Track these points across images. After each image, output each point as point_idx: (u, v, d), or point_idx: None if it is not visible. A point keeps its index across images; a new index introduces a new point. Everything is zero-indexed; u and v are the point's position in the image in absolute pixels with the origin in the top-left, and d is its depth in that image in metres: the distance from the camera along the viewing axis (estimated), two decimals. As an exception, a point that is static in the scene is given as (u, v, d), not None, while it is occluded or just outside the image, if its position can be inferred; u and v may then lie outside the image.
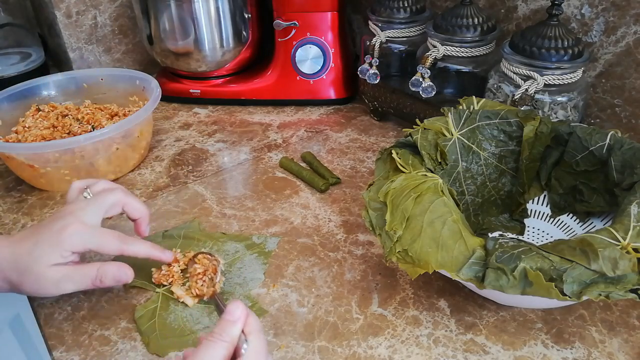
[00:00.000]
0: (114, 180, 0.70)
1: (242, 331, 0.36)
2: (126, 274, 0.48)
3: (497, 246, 0.40)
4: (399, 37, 0.77)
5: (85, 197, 0.50)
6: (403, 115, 0.78)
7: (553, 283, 0.37)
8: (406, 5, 0.75)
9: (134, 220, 0.53)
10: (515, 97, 0.59)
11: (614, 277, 0.37)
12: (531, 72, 0.58)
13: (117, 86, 0.80)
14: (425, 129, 0.53)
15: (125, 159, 0.70)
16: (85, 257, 0.57)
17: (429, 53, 0.68)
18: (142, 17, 0.86)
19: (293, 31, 0.84)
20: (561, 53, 0.57)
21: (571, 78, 0.58)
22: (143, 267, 0.54)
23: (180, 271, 0.53)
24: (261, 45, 0.93)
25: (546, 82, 0.58)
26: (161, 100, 0.74)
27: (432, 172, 0.50)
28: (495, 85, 0.64)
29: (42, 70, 0.97)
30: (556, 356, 0.44)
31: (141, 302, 0.51)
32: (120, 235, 0.48)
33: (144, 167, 0.74)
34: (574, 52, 0.57)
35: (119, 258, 0.51)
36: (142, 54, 1.04)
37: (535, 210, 0.57)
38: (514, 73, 0.60)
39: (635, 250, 0.38)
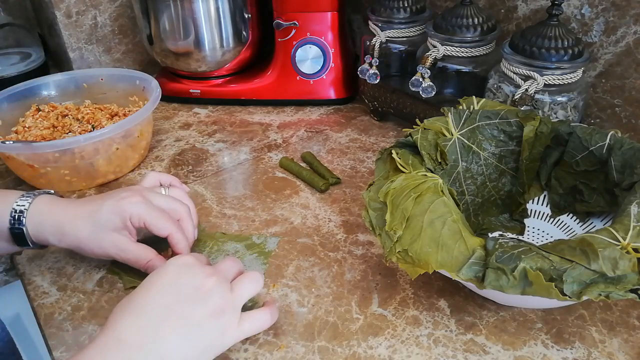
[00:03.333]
0: (114, 180, 0.70)
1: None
2: None
3: (497, 246, 0.40)
4: (399, 37, 0.77)
5: (161, 193, 0.54)
6: (403, 115, 0.78)
7: (553, 283, 0.37)
8: (406, 5, 0.75)
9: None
10: (515, 97, 0.59)
11: (614, 277, 0.37)
12: (531, 72, 0.58)
13: (117, 86, 0.80)
14: (425, 129, 0.53)
15: (125, 159, 0.70)
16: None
17: (429, 53, 0.68)
18: (142, 17, 0.86)
19: (293, 31, 0.84)
20: (561, 53, 0.57)
21: (571, 78, 0.58)
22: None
23: None
24: (261, 45, 0.93)
25: (546, 82, 0.58)
26: (161, 100, 0.74)
27: (432, 172, 0.50)
28: (495, 85, 0.64)
29: (42, 70, 0.97)
30: (556, 356, 0.44)
31: (141, 302, 0.51)
32: (175, 221, 0.51)
33: (144, 167, 0.74)
34: (574, 52, 0.57)
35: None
36: (142, 54, 1.04)
37: (535, 210, 0.57)
38: (514, 73, 0.60)
39: (635, 250, 0.38)
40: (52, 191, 0.53)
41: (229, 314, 0.42)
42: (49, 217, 0.50)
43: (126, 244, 0.50)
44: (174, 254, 0.51)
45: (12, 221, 0.49)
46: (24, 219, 0.49)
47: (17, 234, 0.49)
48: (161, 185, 0.57)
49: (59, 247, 0.55)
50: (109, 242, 0.50)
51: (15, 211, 0.49)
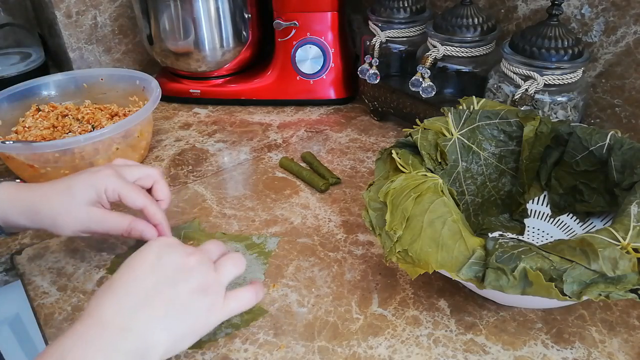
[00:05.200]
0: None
1: None
2: (152, 232, 0.52)
3: (497, 246, 0.40)
4: (399, 37, 0.77)
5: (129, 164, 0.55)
6: (403, 115, 0.78)
7: (553, 283, 0.37)
8: (406, 5, 0.75)
9: (158, 199, 0.55)
10: (515, 97, 0.59)
11: (614, 277, 0.37)
12: (531, 72, 0.58)
13: (117, 86, 0.80)
14: (425, 129, 0.53)
15: (125, 159, 0.70)
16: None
17: (429, 53, 0.68)
18: (142, 17, 0.86)
19: (293, 31, 0.84)
20: (561, 53, 0.57)
21: (571, 78, 0.58)
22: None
23: None
24: (261, 45, 0.93)
25: (546, 82, 0.58)
26: (161, 100, 0.74)
27: (432, 172, 0.50)
28: (495, 85, 0.64)
29: (42, 70, 0.97)
30: (556, 356, 0.44)
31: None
32: (148, 194, 0.52)
33: (144, 167, 0.74)
34: (574, 52, 0.57)
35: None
36: (142, 54, 1.04)
37: (535, 210, 0.57)
38: (514, 73, 0.60)
39: (635, 250, 0.38)
40: (18, 180, 0.53)
41: (213, 292, 0.42)
42: (17, 199, 0.50)
43: (102, 213, 0.50)
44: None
45: None
46: None
47: None
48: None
49: (58, 246, 0.55)
50: (85, 214, 0.50)
51: None
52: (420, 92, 0.69)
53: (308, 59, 0.85)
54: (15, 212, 0.50)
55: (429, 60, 0.68)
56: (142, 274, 0.40)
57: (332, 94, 0.88)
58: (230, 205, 0.65)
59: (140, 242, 0.52)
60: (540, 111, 0.60)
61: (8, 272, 0.59)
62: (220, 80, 0.91)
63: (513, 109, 0.55)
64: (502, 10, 0.74)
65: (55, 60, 1.07)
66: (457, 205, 0.46)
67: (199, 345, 0.46)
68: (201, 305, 0.41)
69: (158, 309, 0.39)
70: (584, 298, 0.37)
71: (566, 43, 0.57)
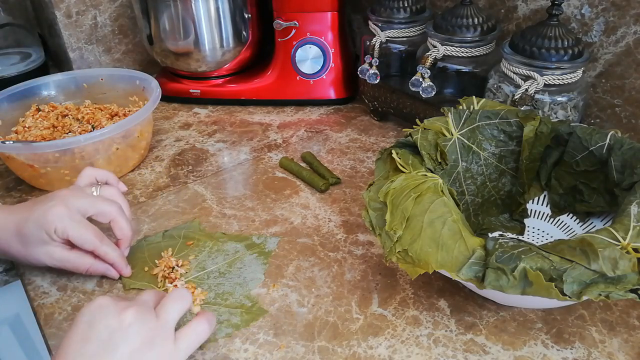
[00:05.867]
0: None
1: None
2: (112, 273, 0.52)
3: (497, 246, 0.39)
4: (399, 37, 0.77)
5: (92, 193, 0.53)
6: (403, 115, 0.78)
7: (553, 283, 0.37)
8: (406, 5, 0.75)
9: (117, 238, 0.54)
10: (515, 97, 0.59)
11: (614, 277, 0.37)
12: (531, 72, 0.58)
13: (117, 86, 0.80)
14: (425, 129, 0.53)
15: (125, 159, 0.70)
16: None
17: (429, 53, 0.68)
18: (142, 17, 0.86)
19: (293, 31, 0.84)
20: (561, 53, 0.57)
21: (571, 78, 0.58)
22: (142, 268, 0.54)
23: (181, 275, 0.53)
24: (261, 45, 0.93)
25: (546, 82, 0.58)
26: (161, 100, 0.74)
27: (432, 172, 0.50)
28: (495, 85, 0.64)
29: (42, 70, 0.97)
30: (556, 356, 0.44)
31: (141, 302, 0.51)
32: (100, 234, 0.51)
33: (144, 167, 0.74)
34: (574, 52, 0.57)
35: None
36: (142, 54, 1.04)
37: (535, 210, 0.57)
38: (514, 73, 0.60)
39: (635, 250, 0.38)
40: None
41: (159, 341, 0.39)
42: None
43: (60, 253, 0.50)
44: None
45: None
46: None
47: None
48: (97, 182, 0.56)
49: None
50: (43, 255, 0.49)
51: None
52: (420, 92, 0.69)
53: (308, 59, 0.85)
54: None
55: (429, 60, 0.68)
56: (79, 346, 0.37)
57: (332, 94, 0.88)
58: (230, 205, 0.65)
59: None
60: (540, 111, 0.60)
61: (8, 272, 0.59)
62: (220, 80, 0.91)
63: (513, 109, 0.55)
64: (502, 10, 0.74)
65: (55, 60, 1.07)
66: (457, 205, 0.46)
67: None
68: (150, 358, 0.38)
69: None
70: (584, 298, 0.37)
71: (566, 43, 0.57)
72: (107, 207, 0.52)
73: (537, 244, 0.40)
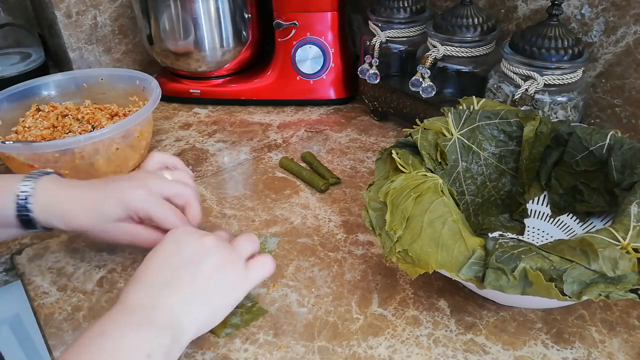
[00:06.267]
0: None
1: None
2: None
3: (497, 246, 0.40)
4: (399, 37, 0.77)
5: (166, 177, 0.54)
6: (403, 115, 0.78)
7: (553, 283, 0.37)
8: (406, 5, 0.75)
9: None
10: (515, 97, 0.59)
11: (614, 277, 0.37)
12: (531, 72, 0.58)
13: (117, 86, 0.80)
14: (425, 129, 0.53)
15: (125, 159, 0.70)
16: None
17: (429, 53, 0.68)
18: (142, 17, 0.86)
19: (293, 31, 0.84)
20: (561, 53, 0.57)
21: (571, 78, 0.58)
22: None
23: None
24: (261, 45, 0.93)
25: (546, 82, 0.58)
26: (161, 100, 0.74)
27: (432, 172, 0.50)
28: (495, 85, 0.64)
29: (42, 70, 0.97)
30: (556, 356, 0.44)
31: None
32: (180, 214, 0.52)
33: (144, 167, 0.74)
34: (574, 52, 0.57)
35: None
36: (142, 54, 1.04)
37: (535, 210, 0.57)
38: (514, 73, 0.60)
39: (635, 250, 0.38)
40: (51, 170, 0.52)
41: (234, 265, 0.45)
42: (54, 201, 0.49)
43: (134, 229, 0.51)
44: None
45: (19, 207, 0.48)
46: (29, 204, 0.48)
47: (25, 219, 0.49)
48: (167, 167, 0.57)
49: (58, 246, 0.55)
50: (118, 231, 0.50)
51: (20, 197, 0.48)
52: (420, 92, 0.69)
53: (308, 59, 0.85)
54: (52, 214, 0.49)
55: (429, 60, 0.68)
56: (163, 262, 0.43)
57: (332, 94, 0.88)
58: (230, 205, 0.65)
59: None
60: (540, 111, 0.60)
61: (8, 272, 0.59)
62: (220, 80, 0.91)
63: (513, 109, 0.55)
64: (502, 10, 0.74)
65: (55, 60, 1.07)
66: (457, 205, 0.46)
67: (199, 344, 0.46)
68: (224, 280, 0.44)
69: (183, 289, 0.41)
70: (584, 298, 0.37)
71: (566, 43, 0.57)
72: (184, 190, 0.53)
73: (537, 244, 0.40)
